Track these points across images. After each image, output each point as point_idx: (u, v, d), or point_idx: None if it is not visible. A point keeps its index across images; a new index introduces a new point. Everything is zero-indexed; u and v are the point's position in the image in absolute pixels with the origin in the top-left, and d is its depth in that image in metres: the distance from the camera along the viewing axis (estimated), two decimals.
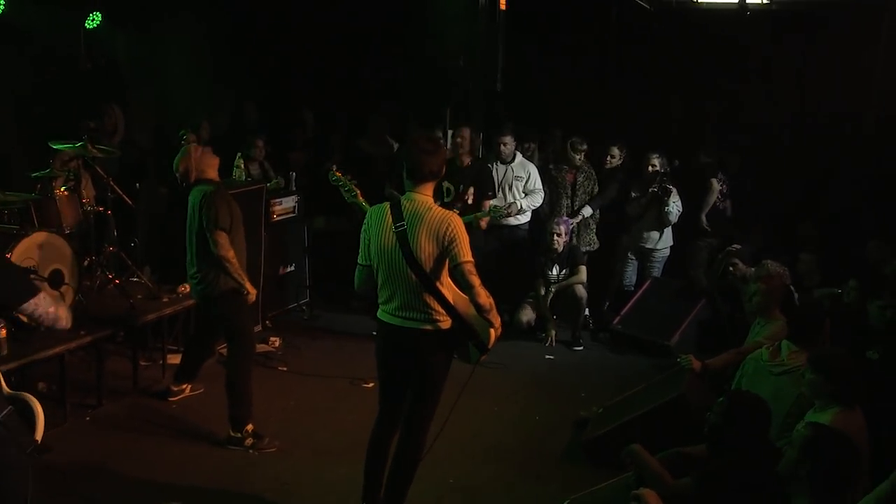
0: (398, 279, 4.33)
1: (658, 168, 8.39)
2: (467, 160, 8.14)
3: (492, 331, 4.46)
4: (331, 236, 9.18)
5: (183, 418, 6.07)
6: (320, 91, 10.85)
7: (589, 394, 6.91)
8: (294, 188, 8.63)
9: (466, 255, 4.20)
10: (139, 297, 6.85)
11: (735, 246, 7.73)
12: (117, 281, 6.94)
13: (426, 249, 4.22)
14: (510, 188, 8.44)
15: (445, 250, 4.21)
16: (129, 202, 7.51)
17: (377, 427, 4.66)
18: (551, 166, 8.83)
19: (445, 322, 4.36)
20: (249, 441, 5.61)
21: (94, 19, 9.02)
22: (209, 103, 10.11)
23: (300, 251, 8.59)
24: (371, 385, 6.67)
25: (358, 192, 5.52)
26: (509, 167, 8.45)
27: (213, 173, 5.73)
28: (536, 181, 8.48)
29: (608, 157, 8.81)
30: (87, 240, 6.91)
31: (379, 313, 4.48)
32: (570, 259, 8.21)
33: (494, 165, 8.48)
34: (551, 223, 8.21)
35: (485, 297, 4.20)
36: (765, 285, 5.82)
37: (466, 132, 8.16)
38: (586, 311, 8.35)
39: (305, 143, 9.88)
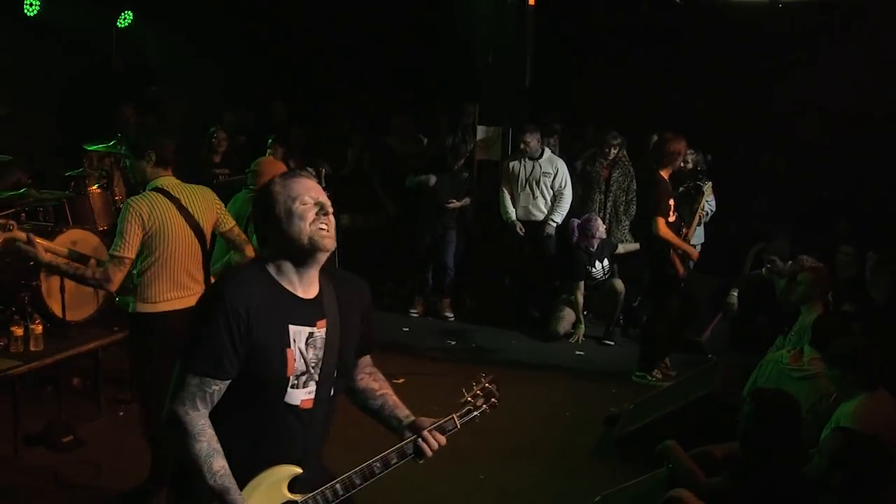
0: (189, 259, 4.50)
1: (691, 165, 8.27)
2: None
3: None
4: (356, 234, 9.21)
5: None
6: (349, 88, 10.87)
7: (619, 390, 6.88)
8: (323, 185, 8.66)
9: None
10: None
11: (761, 244, 7.68)
12: None
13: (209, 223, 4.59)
14: (537, 184, 8.43)
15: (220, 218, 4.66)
16: None
17: None
18: (588, 165, 8.76)
19: None
20: None
21: (125, 18, 9.10)
22: (239, 101, 10.17)
23: None
24: (401, 381, 6.69)
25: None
26: (537, 163, 8.44)
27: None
28: (564, 177, 8.45)
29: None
30: None
31: (168, 305, 4.46)
32: (608, 249, 8.19)
33: (522, 161, 8.47)
34: (595, 223, 8.13)
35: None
36: (812, 275, 5.71)
37: None
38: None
39: (330, 141, 9.90)
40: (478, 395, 2.95)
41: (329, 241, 2.61)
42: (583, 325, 8.17)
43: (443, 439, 2.80)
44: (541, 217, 8.49)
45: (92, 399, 5.94)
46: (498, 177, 8.77)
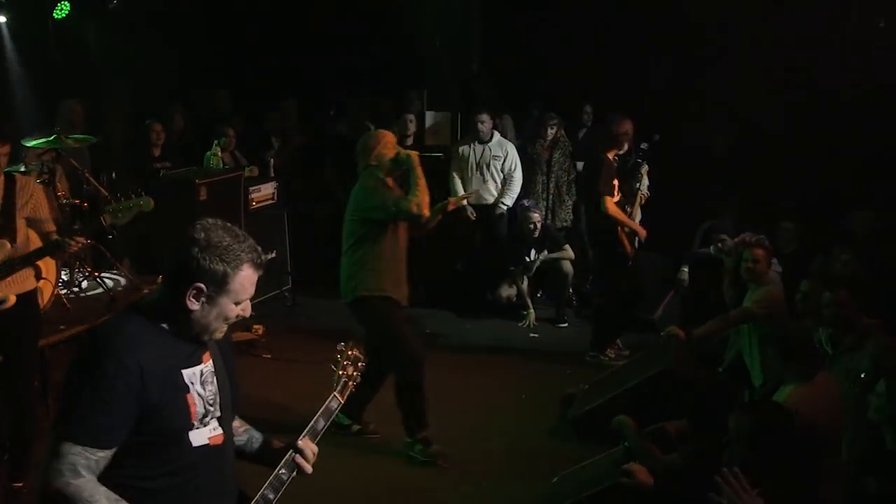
0: None
1: (627, 146, 8.27)
2: None
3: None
4: (308, 222, 9.12)
5: None
6: (294, 75, 10.76)
7: (575, 370, 6.92)
8: (272, 175, 8.57)
9: None
10: (119, 289, 6.78)
11: (709, 221, 7.79)
12: (96, 274, 6.87)
13: None
14: (488, 168, 8.44)
15: None
16: (106, 194, 7.42)
17: None
18: (527, 144, 8.82)
19: None
20: None
21: (62, 9, 8.86)
22: (183, 92, 10.00)
23: (281, 238, 8.54)
24: None
25: None
26: (486, 147, 8.43)
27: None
28: (514, 160, 8.47)
29: (583, 116, 9.24)
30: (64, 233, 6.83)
31: None
32: (549, 241, 8.22)
33: (472, 146, 8.47)
34: (527, 211, 8.17)
35: None
36: (761, 251, 5.78)
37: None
38: (570, 289, 8.38)
39: (285, 131, 9.79)
40: (346, 365, 2.97)
41: (222, 335, 2.57)
42: (532, 311, 8.20)
43: (314, 447, 2.77)
44: (492, 200, 8.51)
45: (40, 400, 5.79)
46: (448, 162, 8.74)
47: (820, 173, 8.46)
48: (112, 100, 9.80)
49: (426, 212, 5.20)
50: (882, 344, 4.59)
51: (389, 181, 5.34)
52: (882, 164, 7.97)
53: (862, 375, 4.58)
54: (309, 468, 2.74)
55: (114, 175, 8.24)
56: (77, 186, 7.19)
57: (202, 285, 2.42)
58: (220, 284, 2.43)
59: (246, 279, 2.47)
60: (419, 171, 5.22)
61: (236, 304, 2.48)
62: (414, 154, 5.32)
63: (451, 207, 5.80)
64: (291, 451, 2.73)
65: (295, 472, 2.73)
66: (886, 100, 8.02)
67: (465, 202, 6.06)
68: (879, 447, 4.43)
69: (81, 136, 7.14)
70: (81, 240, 4.61)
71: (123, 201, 4.72)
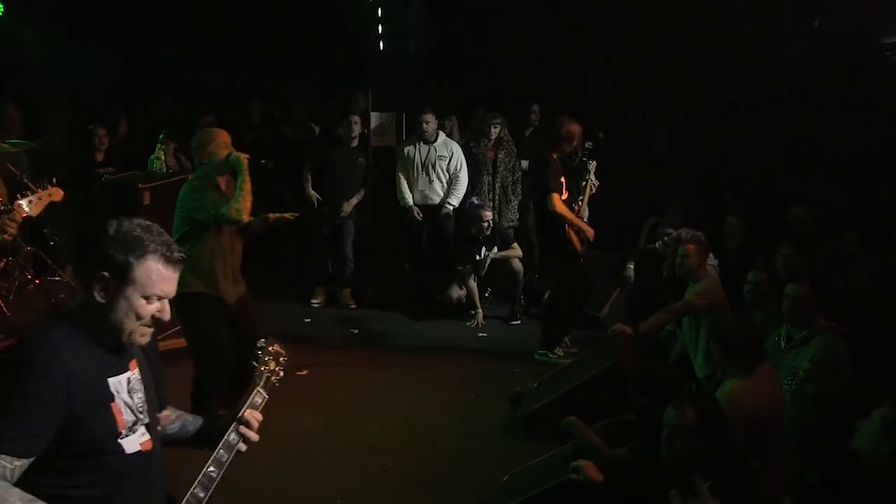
0: None
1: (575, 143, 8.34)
2: None
3: None
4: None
5: None
6: (238, 78, 10.66)
7: (523, 369, 6.96)
8: None
9: None
10: (62, 296, 6.65)
11: (655, 218, 7.90)
12: (37, 281, 6.74)
13: None
14: (433, 168, 8.44)
15: None
16: None
17: None
18: (472, 144, 8.83)
19: None
20: None
21: None
22: (125, 95, 9.84)
23: None
24: (305, 372, 6.63)
25: None
26: (432, 147, 8.44)
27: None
28: (460, 160, 8.48)
29: (531, 115, 9.21)
30: None
31: None
32: (499, 238, 8.26)
33: (417, 146, 8.47)
34: (479, 210, 8.21)
35: None
36: (693, 246, 5.88)
37: None
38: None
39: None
40: (268, 361, 2.92)
41: (145, 340, 2.52)
42: (480, 310, 8.24)
43: (258, 415, 2.77)
44: (438, 201, 8.51)
45: None
46: (394, 163, 8.74)
47: (762, 169, 8.63)
48: (51, 103, 9.59)
49: (245, 217, 5.27)
50: (826, 344, 4.69)
51: (221, 181, 5.37)
52: (821, 159, 8.17)
53: (800, 372, 4.69)
54: (254, 432, 2.73)
55: (54, 180, 8.06)
56: (16, 192, 7.03)
57: (106, 273, 2.40)
58: (122, 273, 2.41)
59: (152, 271, 2.43)
60: (247, 175, 5.28)
61: (145, 298, 2.44)
62: (244, 157, 5.33)
63: (270, 222, 5.69)
64: (234, 424, 2.71)
65: (234, 451, 2.69)
66: (822, 96, 8.22)
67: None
68: (816, 439, 4.54)
69: (19, 140, 7.00)
70: None
71: (31, 194, 4.67)
